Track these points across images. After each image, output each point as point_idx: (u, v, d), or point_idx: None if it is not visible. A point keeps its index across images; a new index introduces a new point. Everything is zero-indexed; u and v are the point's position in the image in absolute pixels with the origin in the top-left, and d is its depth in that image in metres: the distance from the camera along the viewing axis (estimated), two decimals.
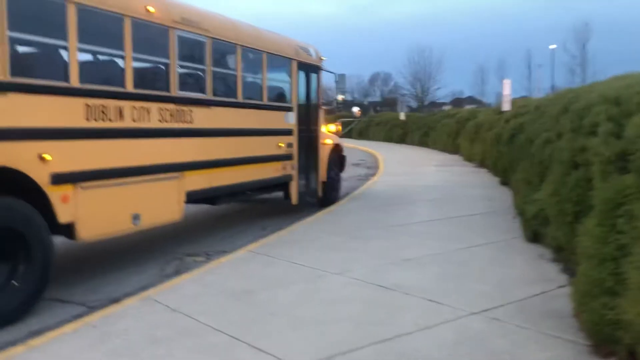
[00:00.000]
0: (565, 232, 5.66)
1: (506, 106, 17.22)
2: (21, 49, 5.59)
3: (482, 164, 18.18)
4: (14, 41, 5.02)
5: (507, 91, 17.80)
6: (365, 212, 10.18)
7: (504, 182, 13.21)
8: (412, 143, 33.40)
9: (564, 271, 5.87)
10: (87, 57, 6.30)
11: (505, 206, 10.17)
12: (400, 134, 35.71)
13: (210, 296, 5.41)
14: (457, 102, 68.45)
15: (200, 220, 10.02)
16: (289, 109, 9.77)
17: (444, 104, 64.07)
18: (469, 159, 20.80)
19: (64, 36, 5.44)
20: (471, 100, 68.48)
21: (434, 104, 62.39)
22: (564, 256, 6.00)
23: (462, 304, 5.03)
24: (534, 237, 7.24)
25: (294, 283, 5.80)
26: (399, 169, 18.65)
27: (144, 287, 5.92)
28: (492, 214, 9.64)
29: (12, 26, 4.88)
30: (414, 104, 59.31)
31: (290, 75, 9.89)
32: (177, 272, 6.55)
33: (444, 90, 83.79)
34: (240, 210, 11.09)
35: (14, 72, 4.93)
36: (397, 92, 65.76)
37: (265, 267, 6.44)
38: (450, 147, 25.40)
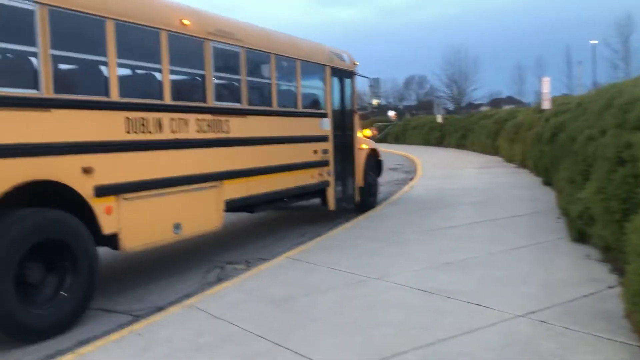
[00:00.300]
0: (613, 231, 5.47)
1: (546, 104, 16.86)
2: (63, 66, 5.78)
3: (523, 164, 17.80)
4: (56, 59, 5.20)
5: (547, 89, 17.40)
6: (404, 217, 10.09)
7: (547, 182, 12.90)
8: (450, 146, 32.98)
9: (613, 271, 5.68)
10: (126, 71, 6.44)
11: (549, 207, 9.92)
12: (437, 137, 35.31)
13: (252, 303, 5.45)
14: (495, 102, 67.33)
15: (239, 229, 10.11)
16: (323, 115, 9.78)
17: (481, 105, 63.12)
18: (509, 160, 20.40)
19: (103, 52, 5.62)
20: (510, 100, 67.27)
21: (471, 106, 61.48)
22: (612, 255, 5.81)
23: (506, 306, 4.92)
24: (579, 237, 7.03)
25: (334, 289, 5.78)
26: (437, 172, 18.43)
27: (187, 295, 6.01)
28: (535, 215, 9.42)
29: (55, 45, 5.08)
30: (450, 106, 58.61)
31: (324, 82, 9.90)
32: (219, 280, 6.62)
33: (481, 91, 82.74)
34: (279, 218, 11.15)
35: (57, 89, 5.12)
36: (433, 95, 65.18)
37: (305, 274, 6.44)
38: (490, 148, 24.96)
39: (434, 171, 18.76)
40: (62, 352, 4.63)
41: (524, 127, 18.02)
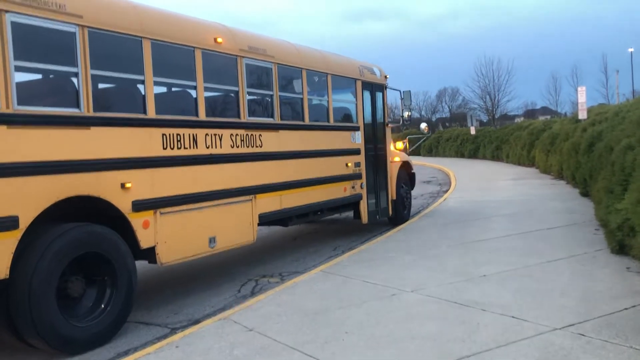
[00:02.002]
0: None
1: (582, 114, 16.55)
2: (102, 85, 5.96)
3: (559, 175, 17.48)
4: (95, 79, 5.39)
5: (583, 99, 17.10)
6: (438, 229, 10.01)
7: (584, 193, 12.64)
8: (484, 157, 32.62)
9: None
10: (162, 89, 6.63)
11: (587, 218, 9.71)
12: (471, 149, 34.96)
13: (286, 315, 5.48)
14: (530, 113, 66.31)
15: (273, 242, 10.19)
16: (355, 129, 9.82)
17: (516, 116, 62.15)
18: (545, 171, 20.05)
19: (140, 71, 5.80)
20: (545, 110, 66.08)
21: (505, 117, 60.57)
22: None
23: (544, 319, 4.83)
24: (619, 248, 6.85)
25: (368, 301, 5.77)
26: (472, 184, 18.24)
27: (222, 308, 6.09)
28: (573, 227, 9.22)
29: (94, 65, 5.27)
30: (484, 117, 57.88)
31: (355, 95, 9.96)
32: (253, 293, 6.68)
33: (515, 102, 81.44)
34: (312, 231, 11.19)
35: (96, 107, 5.30)
36: (466, 107, 64.55)
37: (338, 287, 6.45)
38: (525, 159, 24.58)
39: (468, 183, 18.57)
40: None
41: (560, 137, 17.71)
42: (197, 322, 5.67)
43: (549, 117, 45.11)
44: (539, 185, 16.65)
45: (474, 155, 34.50)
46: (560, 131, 18.54)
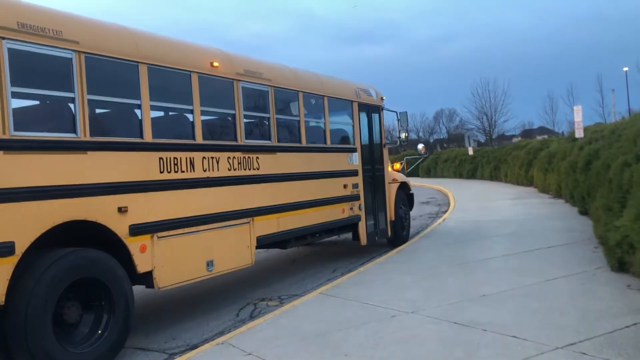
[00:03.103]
0: None
1: (579, 133, 16.63)
2: (98, 110, 5.98)
3: (558, 194, 17.48)
4: (92, 104, 5.41)
5: (579, 118, 17.19)
6: (437, 250, 9.97)
7: (583, 212, 12.62)
8: (482, 177, 32.66)
9: None
10: (159, 113, 6.65)
11: (586, 236, 9.68)
12: (469, 169, 35.03)
13: (285, 339, 5.42)
14: (527, 133, 66.60)
15: (271, 265, 10.13)
16: (352, 150, 9.82)
17: (513, 136, 62.42)
18: (543, 190, 20.06)
19: (137, 95, 5.82)
20: (542, 130, 66.43)
21: (502, 137, 60.89)
22: None
23: (545, 338, 4.78)
24: (619, 266, 6.82)
25: (367, 323, 5.72)
26: (471, 204, 18.22)
27: (221, 332, 6.04)
28: (572, 245, 9.19)
29: (91, 90, 5.29)
30: (481, 137, 58.16)
31: (351, 117, 9.97)
32: (252, 317, 6.63)
33: (512, 122, 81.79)
34: (311, 253, 11.14)
35: (93, 132, 5.31)
36: (463, 127, 64.88)
37: (337, 309, 6.39)
38: (523, 179, 24.62)
39: (467, 204, 18.55)
40: None
41: (558, 156, 17.76)
42: (195, 347, 5.61)
43: (546, 136, 45.29)
44: (537, 204, 16.64)
45: (472, 175, 34.54)
46: (558, 150, 18.60)
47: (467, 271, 7.89)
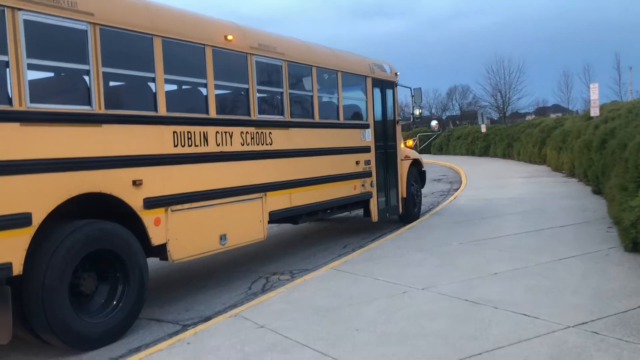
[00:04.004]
0: None
1: (595, 111, 16.43)
2: (113, 82, 6.00)
3: (571, 173, 17.35)
4: (107, 76, 5.42)
5: (595, 96, 16.98)
6: (449, 227, 9.97)
7: (597, 191, 12.54)
8: (495, 155, 32.46)
9: None
10: (173, 86, 6.62)
11: (599, 216, 9.63)
12: (482, 147, 34.81)
13: (296, 312, 5.48)
14: (541, 111, 65.83)
15: (282, 240, 10.20)
16: (365, 126, 9.77)
17: (527, 114, 61.78)
18: (557, 169, 19.92)
19: (151, 68, 5.81)
20: (556, 108, 65.62)
21: (516, 115, 60.26)
22: None
23: (556, 317, 4.79)
24: (633, 246, 6.79)
25: (379, 299, 5.75)
26: (483, 182, 18.15)
27: (233, 305, 6.11)
28: (585, 225, 9.15)
29: (105, 62, 5.29)
30: (495, 115, 57.60)
31: (365, 93, 9.90)
32: (264, 290, 6.69)
33: (526, 99, 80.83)
34: (322, 229, 11.19)
35: (108, 105, 5.32)
36: (477, 105, 64.24)
37: (348, 284, 6.44)
38: (536, 157, 24.44)
39: (479, 181, 18.48)
40: (114, 359, 4.78)
41: (572, 135, 17.58)
42: (208, 319, 5.69)
43: (560, 114, 44.79)
44: (550, 183, 16.54)
45: (484, 153, 34.34)
46: (572, 128, 18.40)
47: (478, 249, 7.89)
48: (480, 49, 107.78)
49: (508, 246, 7.92)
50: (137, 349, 4.98)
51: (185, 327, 5.51)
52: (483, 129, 34.79)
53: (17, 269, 4.47)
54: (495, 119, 56.25)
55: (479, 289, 5.82)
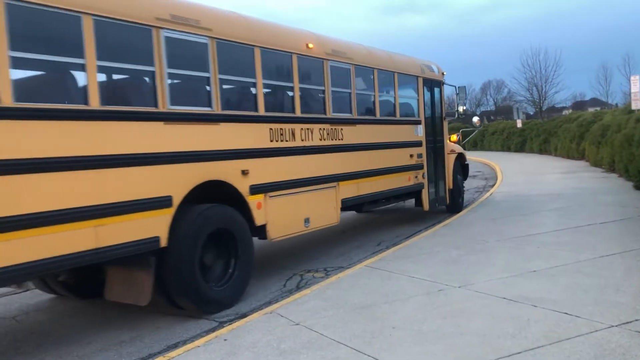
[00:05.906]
0: None
1: (636, 104, 15.96)
2: (225, 86, 6.68)
3: (611, 168, 16.90)
4: (222, 82, 6.31)
5: (636, 88, 16.52)
6: (485, 224, 9.83)
7: (638, 187, 12.19)
8: (531, 151, 31.88)
9: None
10: (268, 90, 7.26)
11: None
12: (518, 142, 34.22)
13: (331, 310, 5.48)
14: (579, 105, 64.29)
15: (316, 238, 10.21)
16: (417, 123, 10.45)
17: (564, 108, 60.34)
18: (595, 164, 19.43)
19: (253, 74, 6.74)
20: (594, 102, 63.96)
21: (552, 109, 58.86)
22: None
23: (598, 316, 4.67)
24: None
25: (414, 297, 5.71)
26: (519, 178, 17.83)
27: (268, 302, 6.15)
28: (627, 221, 8.90)
29: (221, 70, 6.22)
30: (530, 110, 56.48)
31: (417, 91, 10.56)
32: (299, 288, 6.72)
33: (563, 93, 79.00)
34: (356, 226, 11.17)
35: (223, 106, 6.28)
36: (512, 99, 63.15)
37: (383, 282, 6.41)
38: (574, 152, 23.90)
39: (515, 177, 18.17)
40: (153, 355, 4.87)
41: (612, 129, 17.12)
42: (244, 315, 5.73)
43: (598, 108, 43.66)
44: (589, 178, 16.15)
45: (520, 148, 33.76)
46: (612, 122, 17.92)
47: (515, 246, 7.75)
48: (513, 43, 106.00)
49: (546, 243, 7.76)
50: (175, 345, 5.06)
51: (221, 324, 5.57)
52: (519, 124, 34.17)
53: (163, 242, 5.39)
54: (531, 113, 55.18)
55: (517, 287, 5.72)
